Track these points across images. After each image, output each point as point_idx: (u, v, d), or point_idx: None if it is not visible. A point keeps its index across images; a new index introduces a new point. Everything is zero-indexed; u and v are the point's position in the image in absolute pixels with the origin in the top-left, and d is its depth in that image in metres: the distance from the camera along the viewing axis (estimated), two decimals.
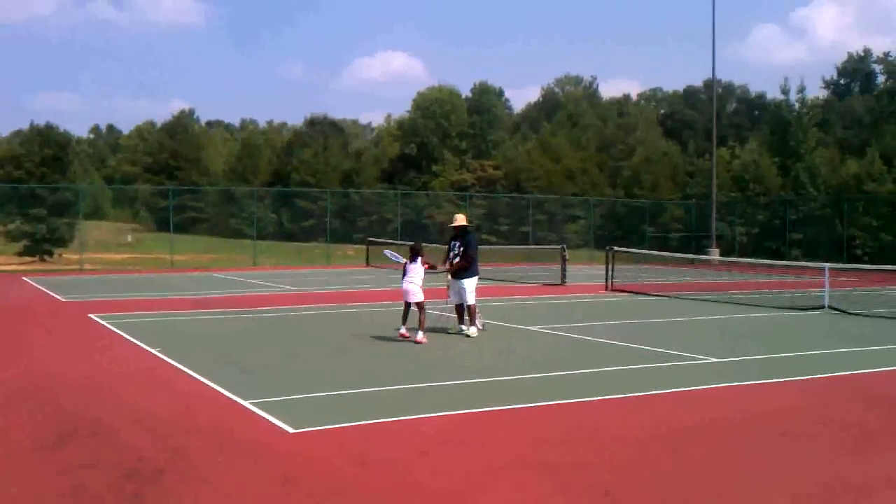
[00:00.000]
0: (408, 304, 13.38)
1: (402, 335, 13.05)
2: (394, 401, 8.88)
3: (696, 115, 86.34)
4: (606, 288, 24.02)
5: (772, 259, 36.87)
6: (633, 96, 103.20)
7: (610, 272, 24.33)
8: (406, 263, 13.58)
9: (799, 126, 53.11)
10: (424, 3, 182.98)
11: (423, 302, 13.16)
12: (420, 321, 13.01)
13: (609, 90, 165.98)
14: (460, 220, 14.55)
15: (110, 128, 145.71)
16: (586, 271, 32.20)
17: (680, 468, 6.60)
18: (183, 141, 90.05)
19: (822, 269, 20.56)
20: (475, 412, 8.29)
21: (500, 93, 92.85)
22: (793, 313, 18.52)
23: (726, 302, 20.86)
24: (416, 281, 13.24)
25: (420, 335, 12.84)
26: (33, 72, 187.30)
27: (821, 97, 73.28)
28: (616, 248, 25.97)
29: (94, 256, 41.20)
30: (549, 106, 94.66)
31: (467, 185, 70.43)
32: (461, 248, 14.12)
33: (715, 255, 41.05)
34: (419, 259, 13.40)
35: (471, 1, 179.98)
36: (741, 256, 41.88)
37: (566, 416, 8.33)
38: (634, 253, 29.97)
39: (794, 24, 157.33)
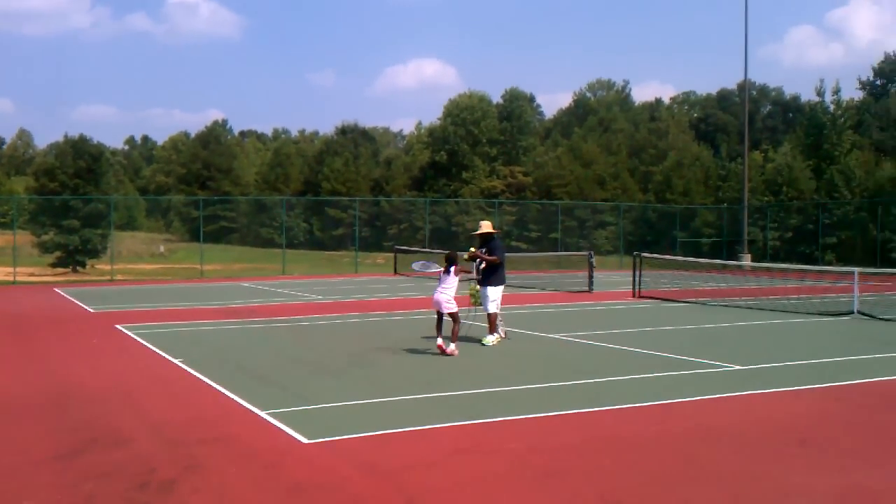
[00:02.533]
0: (440, 315, 12.99)
1: (440, 347, 12.62)
2: (409, 411, 8.86)
3: (729, 119, 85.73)
4: (634, 295, 23.84)
5: (805, 264, 36.44)
6: (666, 100, 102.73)
7: (637, 278, 24.15)
8: (441, 272, 13.26)
9: (834, 128, 52.50)
10: (457, 10, 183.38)
11: (456, 313, 12.81)
12: (453, 332, 12.75)
13: (641, 94, 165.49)
14: (486, 226, 14.41)
15: (145, 138, 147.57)
16: (615, 278, 32.05)
17: (696, 476, 6.51)
18: (216, 151, 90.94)
19: (852, 273, 20.26)
20: (490, 422, 8.25)
21: (532, 98, 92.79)
22: (821, 319, 18.26)
23: (755, 308, 20.63)
24: (448, 292, 12.87)
25: (451, 346, 12.61)
26: (71, 84, 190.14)
27: (856, 99, 72.37)
28: (644, 254, 25.78)
29: (126, 267, 41.72)
30: (580, 111, 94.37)
31: (497, 192, 70.46)
32: (487, 253, 14.08)
33: (747, 260, 40.65)
34: (454, 268, 13.05)
35: (503, 7, 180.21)
36: (774, 261, 41.44)
37: (584, 424, 8.25)
38: (664, 259, 29.68)
39: (830, 25, 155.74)
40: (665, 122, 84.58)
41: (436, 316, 13.01)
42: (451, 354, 12.48)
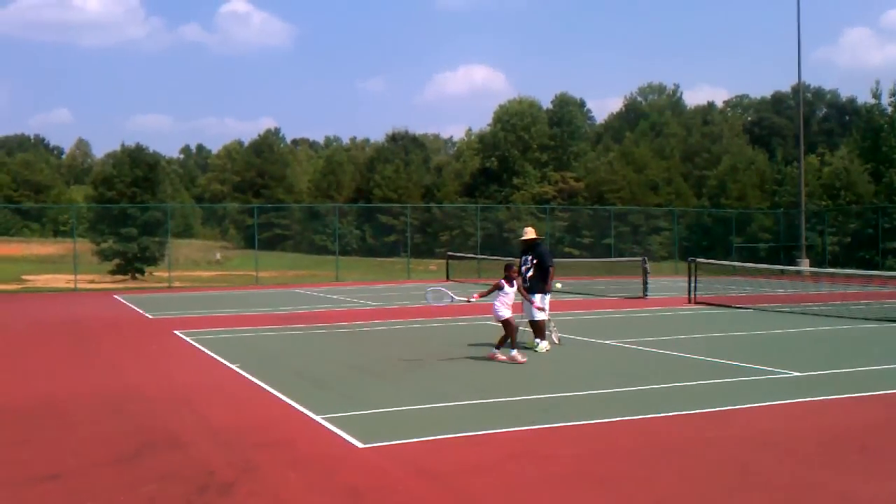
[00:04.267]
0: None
1: (512, 359, 12.50)
2: (463, 416, 8.87)
3: (784, 122, 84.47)
4: (689, 301, 23.59)
5: (864, 269, 35.68)
6: (719, 104, 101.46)
7: (693, 284, 23.89)
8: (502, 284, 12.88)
9: (892, 131, 51.41)
10: (506, 15, 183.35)
11: (507, 319, 12.63)
12: (503, 339, 12.67)
13: (693, 98, 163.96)
14: (530, 233, 14.29)
15: (200, 147, 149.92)
16: (670, 284, 31.73)
17: (752, 484, 6.42)
18: (269, 159, 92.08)
19: None
20: (544, 427, 8.23)
21: (582, 104, 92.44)
22: (881, 325, 17.88)
23: (813, 314, 20.27)
24: (506, 299, 12.73)
25: (510, 353, 12.47)
26: (127, 94, 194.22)
27: None
28: (699, 259, 25.48)
29: (183, 274, 42.43)
30: (631, 116, 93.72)
31: (549, 198, 70.23)
32: (534, 261, 13.93)
33: (805, 265, 39.95)
34: (515, 281, 12.89)
35: (552, 12, 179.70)
36: (832, 267, 40.66)
37: (639, 431, 8.19)
38: (720, 264, 29.32)
39: (886, 26, 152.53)
40: (718, 125, 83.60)
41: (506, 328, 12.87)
42: (506, 360, 12.38)
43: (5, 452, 7.61)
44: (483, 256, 42.37)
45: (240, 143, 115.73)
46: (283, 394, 10.00)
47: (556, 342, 14.28)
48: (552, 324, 14.31)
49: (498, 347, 12.78)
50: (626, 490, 6.28)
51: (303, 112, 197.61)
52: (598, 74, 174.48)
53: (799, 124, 44.96)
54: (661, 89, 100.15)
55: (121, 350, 14.91)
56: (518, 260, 14.34)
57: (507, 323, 12.68)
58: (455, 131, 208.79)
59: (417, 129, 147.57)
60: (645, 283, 26.05)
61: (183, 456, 7.36)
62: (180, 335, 16.45)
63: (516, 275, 13.15)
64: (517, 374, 11.67)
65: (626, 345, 14.53)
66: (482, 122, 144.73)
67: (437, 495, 6.21)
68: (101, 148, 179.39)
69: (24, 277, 41.08)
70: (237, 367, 12.20)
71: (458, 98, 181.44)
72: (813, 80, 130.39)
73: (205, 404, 9.68)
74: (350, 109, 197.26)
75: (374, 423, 8.51)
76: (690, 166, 73.05)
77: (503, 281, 12.86)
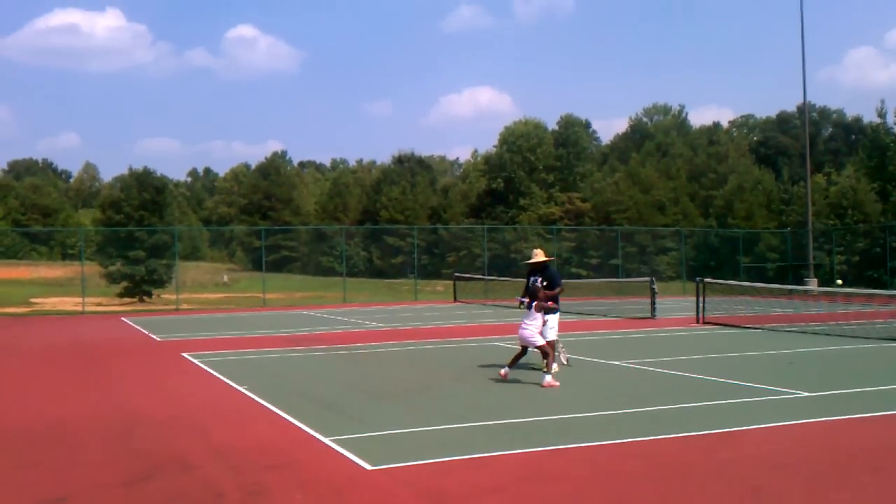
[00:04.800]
0: (524, 349, 12.92)
1: (502, 375, 12.66)
2: (471, 438, 8.83)
3: (790, 142, 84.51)
4: (697, 321, 23.51)
5: (873, 288, 35.51)
6: (725, 124, 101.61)
7: (701, 304, 23.81)
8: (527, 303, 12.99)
9: None
10: (510, 37, 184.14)
11: (544, 345, 12.60)
12: (547, 364, 12.51)
13: (699, 118, 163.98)
14: (539, 255, 14.05)
15: (207, 171, 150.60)
16: (678, 304, 31.65)
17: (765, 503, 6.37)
18: (276, 182, 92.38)
19: None
20: (554, 449, 8.18)
21: (587, 124, 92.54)
22: (890, 344, 17.78)
23: (823, 334, 20.17)
24: (531, 327, 12.66)
25: (548, 378, 12.26)
26: (134, 118, 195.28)
27: None
28: (707, 279, 25.42)
29: (191, 296, 42.46)
30: (637, 136, 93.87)
31: (555, 219, 70.26)
32: (543, 283, 13.80)
33: (813, 285, 39.81)
34: (534, 305, 12.80)
35: (556, 34, 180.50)
36: (841, 286, 40.48)
37: (649, 452, 8.13)
38: (728, 284, 29.20)
39: (890, 45, 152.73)
40: (724, 145, 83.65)
41: (519, 348, 12.97)
42: (548, 386, 12.14)
43: (13, 475, 7.59)
44: (491, 277, 42.35)
45: (247, 166, 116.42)
46: (292, 416, 9.97)
47: (565, 363, 14.23)
48: (561, 345, 14.25)
49: (508, 366, 12.77)
50: None
51: (309, 135, 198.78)
52: (604, 95, 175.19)
53: (805, 143, 44.97)
54: (666, 110, 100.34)
55: (129, 372, 14.90)
56: (527, 280, 14.24)
57: (542, 348, 12.62)
58: (461, 153, 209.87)
59: (424, 150, 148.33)
60: (653, 303, 25.98)
61: (191, 478, 7.33)
62: (188, 357, 16.44)
63: (544, 298, 13.05)
64: (526, 395, 11.62)
65: (636, 365, 14.47)
66: (488, 143, 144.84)
67: None
68: (109, 172, 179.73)
69: (32, 300, 41.15)
70: (245, 388, 12.18)
71: (464, 120, 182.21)
72: (818, 99, 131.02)
73: (213, 426, 9.65)
74: (356, 132, 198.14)
75: (383, 445, 8.47)
76: (697, 186, 73.02)
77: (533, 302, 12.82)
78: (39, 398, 12.11)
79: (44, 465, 7.95)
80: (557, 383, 12.25)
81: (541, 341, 12.64)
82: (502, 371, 12.76)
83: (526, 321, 12.76)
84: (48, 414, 10.66)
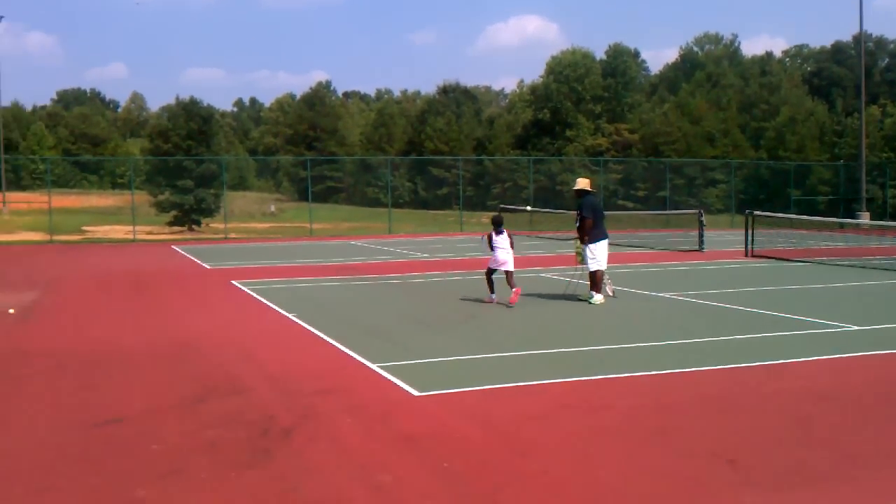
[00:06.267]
0: (493, 272, 14.01)
1: (491, 301, 13.65)
2: (516, 366, 8.91)
3: (844, 73, 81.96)
4: (746, 254, 23.27)
5: None
6: (778, 54, 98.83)
7: (750, 237, 23.53)
8: (490, 235, 14.03)
9: None
10: None
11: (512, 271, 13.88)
12: (511, 282, 13.66)
13: (751, 48, 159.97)
14: (580, 184, 14.33)
15: (253, 100, 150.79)
16: (726, 237, 31.33)
17: (810, 437, 6.38)
18: (321, 112, 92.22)
19: None
20: (598, 378, 8.23)
21: (636, 54, 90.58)
22: None
23: (873, 268, 19.86)
24: (508, 249, 13.88)
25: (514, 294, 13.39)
26: (181, 48, 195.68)
27: None
28: (757, 212, 25.06)
29: (239, 226, 42.98)
30: (687, 66, 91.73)
31: (602, 150, 69.41)
32: (579, 213, 13.99)
33: (865, 218, 39.09)
34: (504, 230, 14.02)
35: None
36: (893, 220, 39.70)
37: (695, 383, 8.14)
38: (778, 217, 28.79)
39: None
40: (777, 76, 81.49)
41: (487, 273, 14.04)
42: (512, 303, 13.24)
43: (72, 396, 7.84)
44: (536, 209, 42.18)
45: (292, 97, 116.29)
46: (340, 343, 10.13)
47: (611, 294, 14.23)
48: (607, 276, 14.24)
49: (492, 293, 13.82)
50: (681, 442, 6.26)
51: (354, 65, 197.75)
52: (654, 24, 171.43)
53: (860, 74, 43.66)
54: (717, 39, 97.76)
55: (181, 299, 15.20)
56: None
57: (510, 273, 13.79)
58: (507, 83, 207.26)
59: (469, 81, 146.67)
60: (701, 235, 25.73)
61: (244, 401, 7.52)
62: (237, 285, 16.72)
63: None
64: (571, 325, 11.67)
65: (682, 297, 14.41)
66: (535, 73, 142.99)
67: (492, 443, 6.26)
68: (156, 101, 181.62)
69: (84, 228, 41.95)
70: (294, 316, 12.38)
71: (510, 49, 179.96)
72: (875, 29, 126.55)
73: (264, 352, 9.84)
74: (401, 62, 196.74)
75: (429, 372, 8.59)
76: (748, 118, 71.42)
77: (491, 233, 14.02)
78: (96, 323, 12.43)
79: (102, 387, 8.20)
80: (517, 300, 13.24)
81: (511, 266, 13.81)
82: (494, 297, 13.65)
83: (499, 247, 13.85)
84: (105, 338, 10.94)
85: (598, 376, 8.29)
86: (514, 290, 13.36)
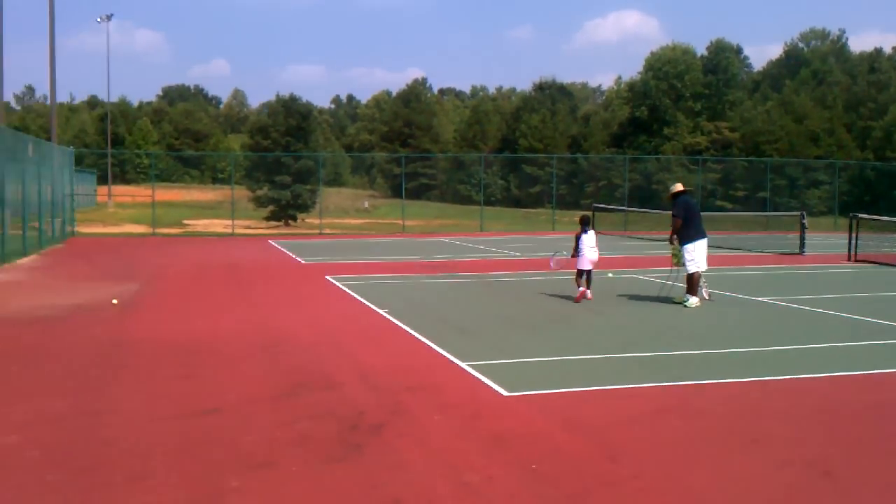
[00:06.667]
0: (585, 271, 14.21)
1: (585, 295, 13.95)
2: (608, 369, 8.80)
3: None
4: (849, 258, 22.48)
5: None
6: (888, 50, 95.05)
7: (854, 241, 22.73)
8: (579, 234, 14.41)
9: None
10: None
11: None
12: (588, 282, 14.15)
13: (860, 44, 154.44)
14: (676, 188, 14.21)
15: (350, 98, 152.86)
16: (829, 240, 30.33)
17: None
18: (416, 109, 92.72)
19: None
20: (693, 384, 8.06)
21: (739, 50, 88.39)
22: None
23: None
24: (595, 249, 14.26)
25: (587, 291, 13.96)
26: (281, 46, 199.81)
27: None
28: (861, 215, 24.18)
29: (334, 221, 43.59)
30: (791, 63, 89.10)
31: (701, 149, 67.99)
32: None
33: None
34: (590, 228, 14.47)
35: None
36: None
37: (793, 391, 7.90)
38: (884, 221, 27.73)
39: None
40: (886, 73, 78.41)
41: (577, 275, 14.29)
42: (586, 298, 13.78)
43: (171, 386, 8.07)
44: (631, 209, 41.60)
45: (388, 94, 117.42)
46: (430, 340, 10.18)
47: (707, 298, 13.93)
48: (703, 279, 13.95)
49: (587, 289, 14.09)
50: (777, 451, 6.08)
51: (450, 62, 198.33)
52: (757, 19, 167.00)
53: None
54: (824, 35, 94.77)
55: (277, 293, 15.50)
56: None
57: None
58: (604, 80, 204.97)
59: (565, 77, 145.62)
60: (802, 238, 24.97)
61: (335, 395, 7.62)
62: (332, 280, 16.97)
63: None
64: (664, 329, 11.46)
65: (781, 303, 14.01)
66: (633, 70, 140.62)
67: (583, 446, 6.19)
68: (257, 98, 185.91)
69: (185, 222, 43.19)
70: (385, 312, 12.50)
71: (608, 45, 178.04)
72: None
73: (355, 347, 9.96)
74: (496, 58, 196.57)
75: (520, 373, 8.55)
76: (854, 116, 68.97)
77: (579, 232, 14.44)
78: (195, 314, 12.77)
79: (198, 377, 8.42)
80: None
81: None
82: (585, 291, 13.99)
83: (588, 246, 14.21)
84: (203, 329, 11.23)
85: (693, 381, 8.13)
86: (586, 290, 13.93)
